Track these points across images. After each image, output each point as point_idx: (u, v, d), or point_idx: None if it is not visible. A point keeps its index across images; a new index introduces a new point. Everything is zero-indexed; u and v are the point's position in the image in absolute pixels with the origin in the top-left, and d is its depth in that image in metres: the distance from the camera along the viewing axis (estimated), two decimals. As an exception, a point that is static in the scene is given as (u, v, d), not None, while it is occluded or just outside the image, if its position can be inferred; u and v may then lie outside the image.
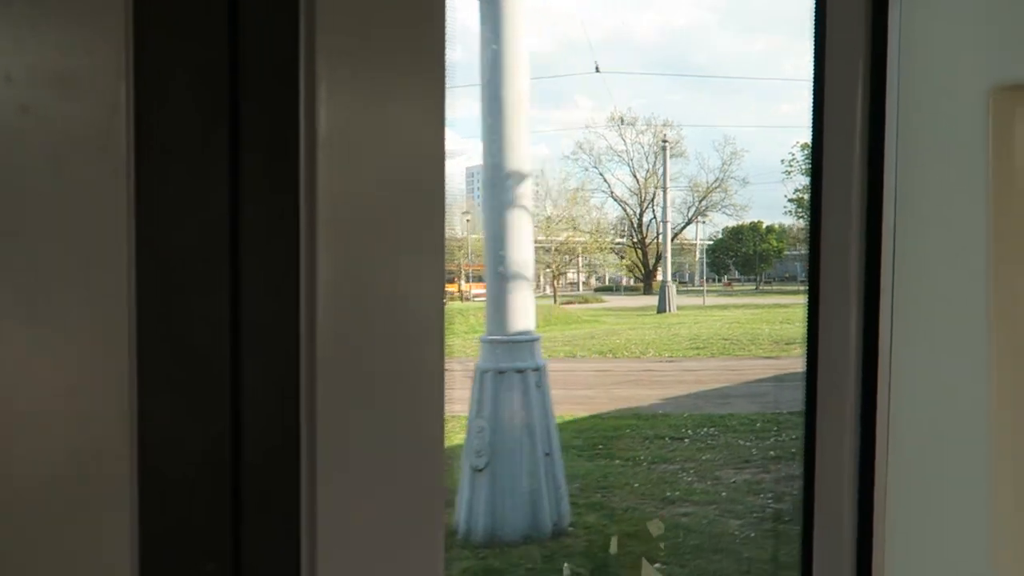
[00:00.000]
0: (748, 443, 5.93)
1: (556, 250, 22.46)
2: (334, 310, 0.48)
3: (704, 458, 5.51)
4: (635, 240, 31.18)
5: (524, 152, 4.63)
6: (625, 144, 29.62)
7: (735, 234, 35.14)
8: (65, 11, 0.42)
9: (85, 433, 0.44)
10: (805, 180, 29.02)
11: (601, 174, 29.97)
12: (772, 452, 5.68)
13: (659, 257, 30.87)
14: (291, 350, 0.48)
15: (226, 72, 0.47)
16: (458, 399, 4.73)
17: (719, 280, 36.33)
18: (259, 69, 0.48)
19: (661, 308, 20.14)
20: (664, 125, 29.70)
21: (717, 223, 33.91)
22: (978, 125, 0.60)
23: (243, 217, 0.48)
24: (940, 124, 0.63)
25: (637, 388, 8.29)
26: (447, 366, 0.53)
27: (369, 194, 0.49)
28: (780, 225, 34.33)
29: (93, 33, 0.43)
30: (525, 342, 4.58)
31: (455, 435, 4.92)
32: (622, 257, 32.35)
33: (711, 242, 35.51)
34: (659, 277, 27.22)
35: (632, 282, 32.15)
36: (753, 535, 4.29)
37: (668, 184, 22.71)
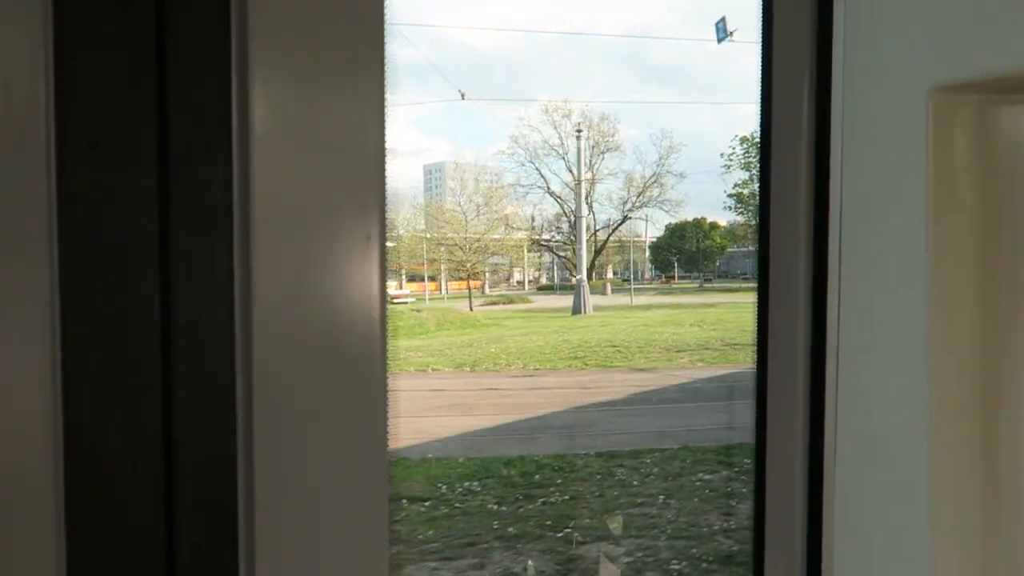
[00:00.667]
0: (493, 508, 4.43)
1: (470, 248, 21.00)
2: (271, 311, 0.48)
3: (419, 537, 3.97)
4: (572, 237, 29.94)
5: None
6: (560, 138, 28.40)
7: (678, 231, 34.11)
8: None
9: (6, 438, 0.44)
10: (744, 175, 28.30)
11: (537, 169, 28.68)
12: (510, 529, 4.14)
13: (597, 254, 29.85)
14: (226, 351, 0.48)
15: (153, 68, 0.46)
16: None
17: (664, 278, 35.34)
18: (189, 65, 0.47)
19: (576, 309, 18.86)
20: (602, 119, 28.53)
21: (660, 220, 32.92)
22: (918, 125, 0.59)
23: (173, 216, 0.47)
24: (883, 124, 0.64)
25: (449, 416, 6.83)
26: None
27: (307, 192, 0.49)
28: (731, 222, 33.34)
29: (13, 30, 0.43)
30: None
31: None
32: (558, 254, 31.07)
33: (653, 239, 34.52)
34: (586, 276, 26.15)
35: (573, 280, 30.91)
36: None
37: (583, 176, 21.28)
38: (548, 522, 4.17)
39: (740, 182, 28.33)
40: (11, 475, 0.43)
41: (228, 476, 0.48)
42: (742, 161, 28.34)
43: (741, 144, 28.16)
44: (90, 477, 0.45)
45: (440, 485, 4.79)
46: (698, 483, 4.85)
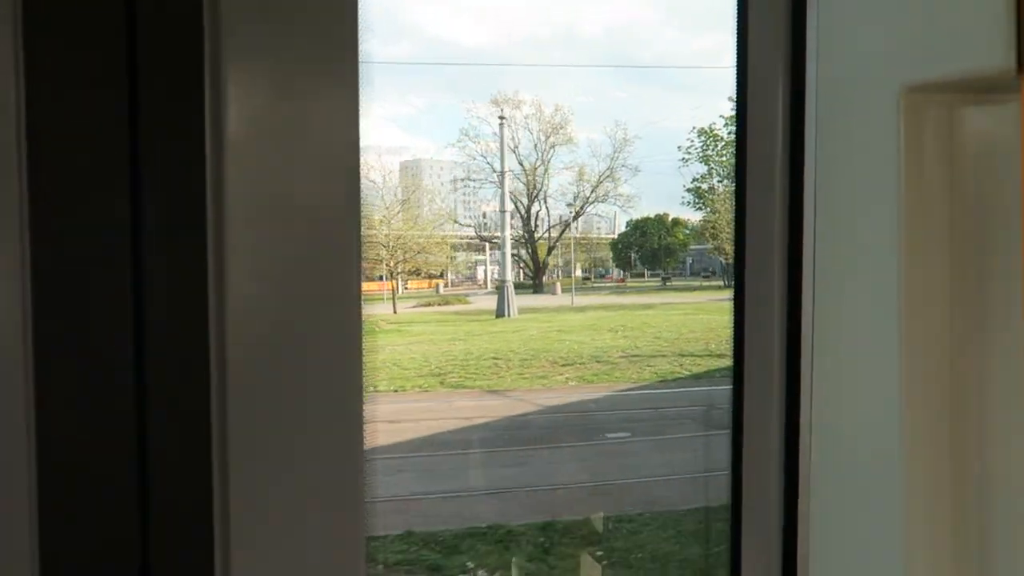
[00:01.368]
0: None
1: (394, 246, 19.58)
2: (245, 311, 0.48)
3: None
4: (524, 234, 28.60)
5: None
6: (511, 130, 27.02)
7: (640, 227, 32.74)
8: None
9: None
10: (702, 168, 27.03)
11: (489, 163, 27.27)
12: None
13: (550, 251, 28.53)
14: (200, 355, 0.47)
15: (125, 70, 0.46)
16: None
17: (620, 276, 34.08)
18: (161, 66, 0.47)
19: (499, 312, 17.45)
20: (555, 111, 27.18)
21: (626, 215, 31.64)
22: (890, 124, 0.60)
23: (146, 218, 0.47)
24: (856, 123, 0.64)
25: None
26: None
27: (281, 194, 0.49)
28: (701, 219, 31.99)
29: None
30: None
31: None
32: (516, 251, 29.71)
33: (613, 236, 33.20)
34: (540, 275, 24.87)
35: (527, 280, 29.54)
36: None
37: (507, 168, 19.86)
38: None
39: (699, 176, 27.06)
40: None
41: (203, 478, 0.47)
42: (700, 154, 27.06)
43: (699, 136, 26.88)
44: (63, 480, 0.45)
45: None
46: None
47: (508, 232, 19.38)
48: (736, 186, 0.75)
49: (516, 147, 27.23)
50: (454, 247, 28.59)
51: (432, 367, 9.79)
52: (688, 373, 9.22)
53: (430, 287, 27.67)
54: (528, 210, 28.10)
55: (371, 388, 8.41)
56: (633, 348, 11.09)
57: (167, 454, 0.47)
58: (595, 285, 31.69)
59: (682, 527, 4.61)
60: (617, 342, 11.89)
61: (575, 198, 27.69)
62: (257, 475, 0.48)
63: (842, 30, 0.64)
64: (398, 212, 21.42)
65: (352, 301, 0.50)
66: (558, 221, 28.83)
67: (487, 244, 29.30)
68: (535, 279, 28.12)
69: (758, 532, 0.73)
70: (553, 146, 27.42)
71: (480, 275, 32.00)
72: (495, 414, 7.20)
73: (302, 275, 0.49)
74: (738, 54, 0.74)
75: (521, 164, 27.54)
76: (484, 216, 29.20)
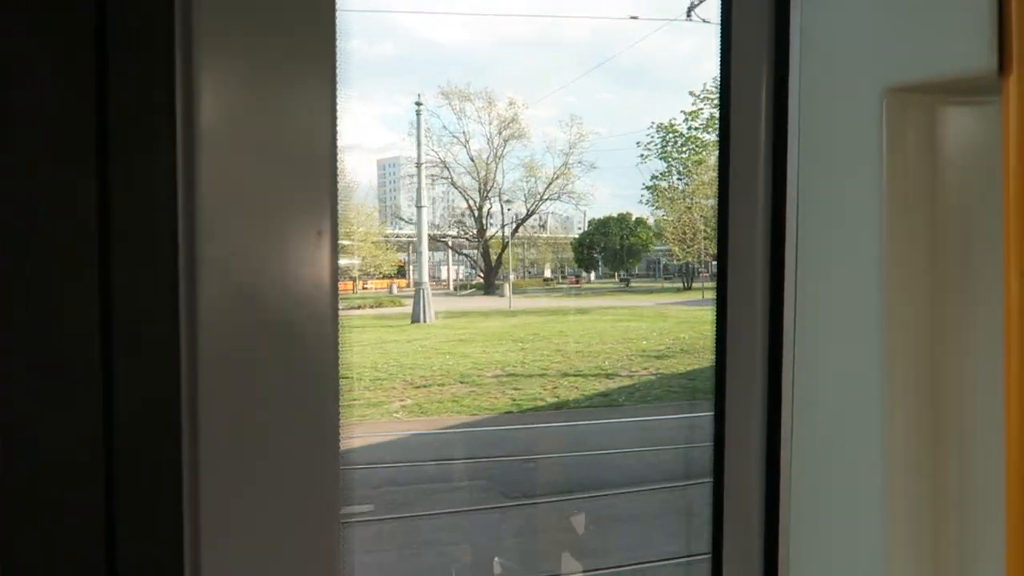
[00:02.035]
0: None
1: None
2: (217, 308, 0.46)
3: None
4: (474, 233, 27.29)
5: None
6: (461, 123, 25.68)
7: (602, 227, 31.39)
8: None
9: None
10: (662, 166, 25.70)
11: (442, 160, 25.89)
12: None
13: (502, 251, 27.18)
14: (171, 351, 0.46)
15: (93, 57, 0.44)
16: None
17: (573, 277, 32.88)
18: (130, 54, 0.45)
19: (415, 318, 16.08)
20: (510, 104, 25.84)
21: (591, 213, 30.38)
22: (873, 125, 0.60)
23: (114, 210, 0.45)
24: (839, 124, 0.64)
25: None
26: None
27: (256, 188, 0.47)
28: (659, 218, 30.64)
29: None
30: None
31: None
32: (459, 252, 28.39)
33: (576, 236, 31.94)
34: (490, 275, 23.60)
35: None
36: None
37: (422, 159, 18.45)
38: None
39: (658, 173, 25.69)
40: None
41: (173, 477, 0.46)
42: (659, 151, 25.71)
43: (658, 132, 25.53)
44: (26, 481, 0.44)
45: None
46: None
47: (425, 230, 17.92)
48: (719, 186, 0.75)
49: (467, 142, 25.88)
50: (402, 246, 27.32)
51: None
52: (548, 402, 7.79)
53: (386, 286, 26.45)
54: (480, 207, 26.75)
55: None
56: (521, 364, 9.68)
57: (135, 454, 0.45)
58: (558, 287, 30.56)
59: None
60: (510, 356, 10.46)
61: (525, 196, 26.31)
62: (229, 475, 0.46)
63: (825, 31, 0.64)
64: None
65: (327, 298, 0.49)
66: (512, 219, 27.52)
67: (447, 243, 28.05)
68: (487, 281, 26.79)
69: (739, 536, 0.73)
70: (506, 140, 26.09)
71: (443, 274, 30.66)
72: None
73: (277, 270, 0.47)
74: (722, 55, 0.74)
75: (472, 159, 26.20)
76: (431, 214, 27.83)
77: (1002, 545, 0.53)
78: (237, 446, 0.47)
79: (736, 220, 0.72)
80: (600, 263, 32.29)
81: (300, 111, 0.47)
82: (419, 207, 17.67)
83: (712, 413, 0.75)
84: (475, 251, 27.83)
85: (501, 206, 27.20)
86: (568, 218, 31.43)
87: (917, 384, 0.58)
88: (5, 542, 0.43)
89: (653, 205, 26.64)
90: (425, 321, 15.76)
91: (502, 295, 25.19)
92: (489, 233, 27.24)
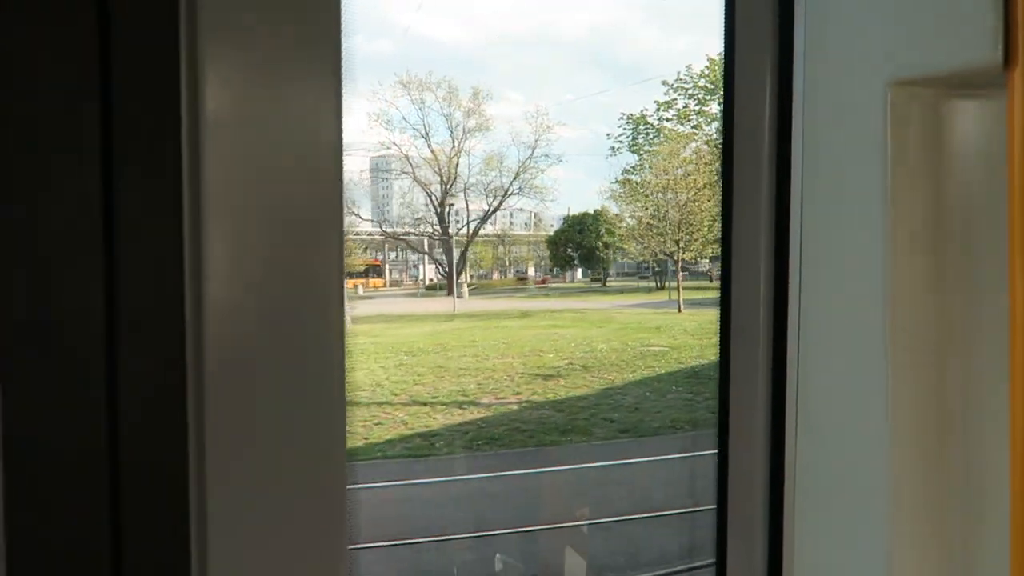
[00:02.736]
0: None
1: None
2: (223, 307, 0.46)
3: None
4: (437, 231, 25.96)
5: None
6: (420, 115, 24.33)
7: (576, 224, 29.90)
8: None
9: None
10: (632, 159, 24.25)
11: (405, 155, 24.55)
12: None
13: (465, 248, 25.85)
14: (176, 348, 0.46)
15: (97, 48, 0.44)
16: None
17: (540, 278, 31.47)
18: (135, 44, 0.45)
19: (329, 324, 14.55)
20: (474, 95, 24.45)
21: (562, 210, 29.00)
22: (877, 119, 0.60)
23: (118, 204, 0.44)
24: (843, 119, 0.64)
25: None
26: None
27: (261, 181, 0.47)
28: (630, 215, 29.13)
29: None
30: None
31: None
32: (419, 250, 27.01)
33: (550, 234, 30.49)
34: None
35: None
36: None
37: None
38: None
39: (630, 167, 24.21)
40: None
41: (179, 477, 0.46)
42: (630, 143, 24.23)
43: (628, 123, 24.04)
44: (31, 481, 0.43)
45: None
46: None
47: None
48: (723, 182, 0.74)
49: (426, 133, 24.49)
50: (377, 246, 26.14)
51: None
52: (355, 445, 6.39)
53: (352, 287, 25.18)
54: (442, 203, 25.37)
55: None
56: (376, 386, 8.34)
57: (140, 455, 0.45)
58: (527, 287, 29.23)
59: None
60: (376, 374, 9.08)
61: (485, 190, 24.90)
62: (235, 475, 0.46)
63: (829, 25, 0.64)
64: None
65: (334, 294, 0.49)
66: (478, 216, 26.16)
67: (424, 242, 26.76)
68: (448, 281, 25.43)
69: (743, 533, 0.73)
70: (470, 132, 24.72)
71: (420, 274, 29.37)
72: None
73: (282, 267, 0.47)
74: (725, 50, 0.73)
75: (432, 151, 24.83)
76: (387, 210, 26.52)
77: (1007, 556, 0.52)
78: (243, 445, 0.46)
79: (740, 214, 0.72)
80: (576, 262, 30.84)
81: (305, 105, 0.47)
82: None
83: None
84: (438, 250, 26.51)
85: (466, 202, 25.82)
86: (536, 214, 29.96)
87: (923, 382, 0.57)
88: (10, 542, 0.43)
89: (626, 201, 25.23)
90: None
91: (460, 296, 23.82)
92: (453, 231, 25.86)
